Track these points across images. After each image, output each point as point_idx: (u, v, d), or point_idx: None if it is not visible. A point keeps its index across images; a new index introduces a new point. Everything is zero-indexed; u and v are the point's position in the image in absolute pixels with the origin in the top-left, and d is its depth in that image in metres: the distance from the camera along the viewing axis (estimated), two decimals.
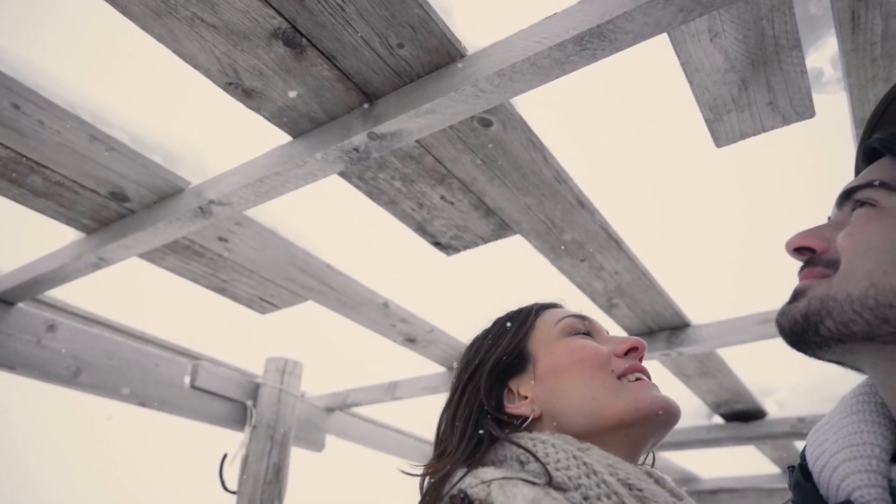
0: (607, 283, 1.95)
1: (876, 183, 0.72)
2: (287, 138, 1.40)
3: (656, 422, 0.76)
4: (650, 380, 0.83)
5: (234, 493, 2.52)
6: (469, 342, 0.96)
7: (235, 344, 2.85)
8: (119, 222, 1.69)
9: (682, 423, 3.19)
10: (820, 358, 0.76)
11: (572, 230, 1.70)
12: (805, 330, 0.71)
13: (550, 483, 0.65)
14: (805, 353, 0.75)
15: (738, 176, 1.68)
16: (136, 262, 1.93)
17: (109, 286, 2.47)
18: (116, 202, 1.62)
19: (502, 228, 1.72)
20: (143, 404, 2.33)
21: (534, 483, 0.65)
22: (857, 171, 0.84)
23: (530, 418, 0.80)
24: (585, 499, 0.64)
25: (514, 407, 0.82)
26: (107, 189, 1.58)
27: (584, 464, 0.67)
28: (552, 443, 0.72)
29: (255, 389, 2.70)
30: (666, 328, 2.24)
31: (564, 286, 1.94)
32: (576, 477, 0.66)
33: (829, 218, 0.80)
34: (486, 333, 0.93)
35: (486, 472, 0.69)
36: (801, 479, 0.73)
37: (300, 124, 1.35)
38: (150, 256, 1.90)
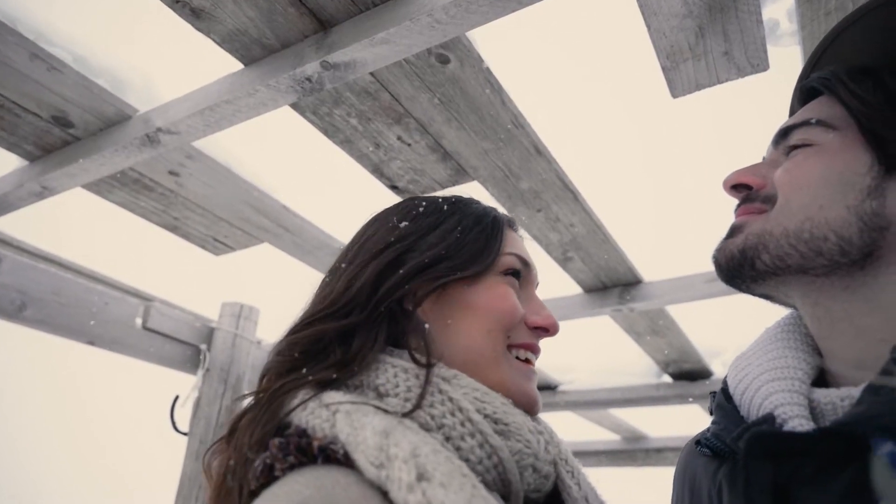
0: (563, 235, 1.96)
1: (813, 121, 0.73)
2: (239, 66, 1.35)
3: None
4: (536, 361, 0.79)
5: (185, 434, 2.52)
6: (427, 204, 0.82)
7: (190, 287, 2.81)
8: (63, 149, 1.63)
9: (632, 381, 3.29)
10: (751, 292, 0.79)
11: (529, 179, 1.70)
12: (741, 265, 0.72)
13: (407, 416, 0.59)
14: (738, 287, 0.77)
15: (693, 130, 1.69)
16: (86, 197, 1.87)
17: (58, 222, 2.40)
18: (60, 127, 1.56)
19: (459, 174, 1.71)
20: (91, 343, 2.29)
21: (386, 411, 0.58)
22: (792, 112, 0.85)
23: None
24: (448, 439, 0.59)
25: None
26: (49, 112, 1.52)
27: (450, 399, 0.62)
28: (416, 372, 0.65)
29: (209, 333, 2.68)
30: (619, 284, 2.28)
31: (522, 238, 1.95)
32: (440, 416, 0.61)
33: (763, 158, 0.82)
34: (450, 211, 0.80)
35: (333, 397, 0.60)
36: (722, 400, 0.76)
37: (252, 51, 1.30)
38: (98, 189, 1.84)
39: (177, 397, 2.56)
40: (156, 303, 2.53)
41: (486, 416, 0.63)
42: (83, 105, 1.50)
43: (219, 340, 2.66)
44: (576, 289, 2.35)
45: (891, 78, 0.69)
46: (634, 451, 4.58)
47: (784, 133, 0.77)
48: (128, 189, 1.84)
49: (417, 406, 0.60)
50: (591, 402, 3.47)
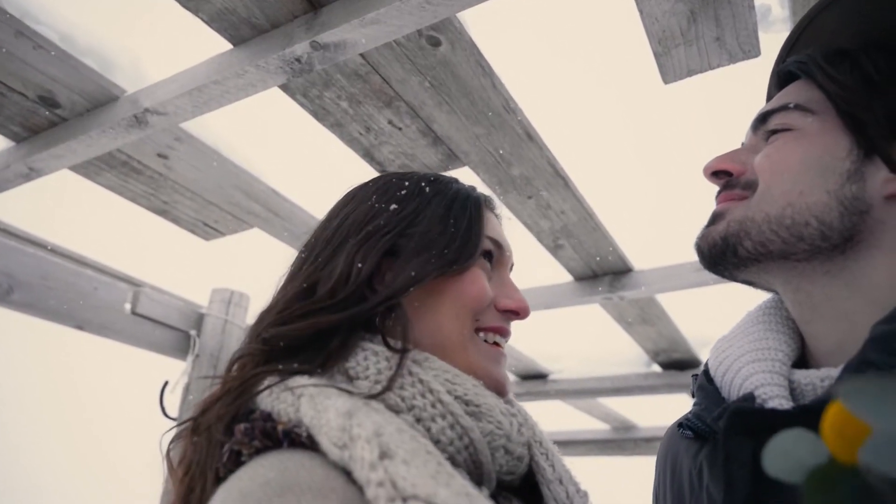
0: (554, 222, 1.96)
1: (791, 105, 0.73)
2: (227, 46, 1.34)
3: None
4: (505, 344, 0.78)
5: (174, 419, 2.51)
6: (409, 184, 0.79)
7: (180, 273, 2.79)
8: (50, 130, 1.61)
9: (622, 370, 3.31)
10: (734, 279, 0.79)
11: (520, 165, 1.70)
12: (724, 252, 0.72)
13: (374, 397, 0.59)
14: (721, 274, 0.77)
15: (684, 116, 1.69)
16: (74, 180, 1.85)
17: (46, 205, 2.38)
18: (46, 107, 1.54)
19: (451, 159, 1.71)
20: (80, 327, 2.28)
21: (351, 393, 0.58)
22: (770, 97, 0.85)
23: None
24: (418, 420, 0.59)
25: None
26: (35, 92, 1.50)
27: (421, 381, 0.62)
28: (386, 355, 0.64)
29: (198, 319, 2.67)
30: (609, 272, 2.28)
31: (512, 223, 1.95)
32: (410, 397, 0.60)
33: (742, 144, 0.82)
34: (433, 192, 0.78)
35: (298, 381, 0.60)
36: (704, 382, 0.76)
37: (241, 31, 1.29)
38: (86, 171, 1.82)
39: (166, 383, 2.57)
40: (145, 288, 2.52)
41: (456, 398, 0.63)
42: (70, 85, 1.48)
43: (209, 326, 2.65)
44: (566, 276, 2.35)
45: (867, 60, 0.69)
46: (623, 441, 4.61)
47: (763, 118, 0.77)
48: (116, 171, 1.82)
49: (388, 388, 0.60)
50: (580, 391, 3.49)
